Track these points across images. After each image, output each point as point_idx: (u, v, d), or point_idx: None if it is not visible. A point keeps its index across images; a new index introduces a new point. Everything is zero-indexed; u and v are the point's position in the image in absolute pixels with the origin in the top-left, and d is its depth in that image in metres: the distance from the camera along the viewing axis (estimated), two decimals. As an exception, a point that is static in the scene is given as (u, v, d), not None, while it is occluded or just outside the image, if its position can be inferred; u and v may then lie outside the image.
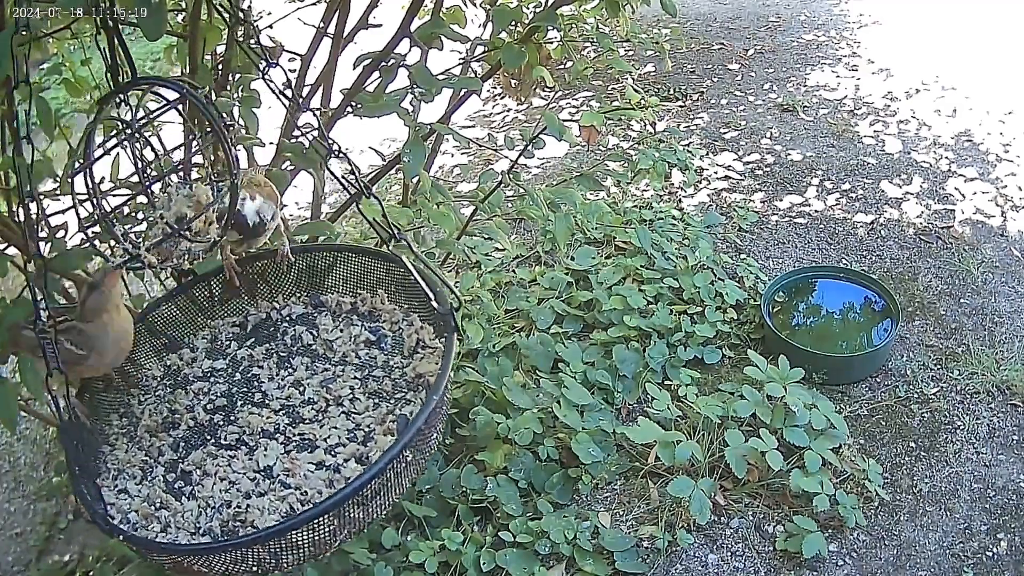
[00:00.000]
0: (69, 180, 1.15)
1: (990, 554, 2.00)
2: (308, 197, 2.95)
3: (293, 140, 1.78)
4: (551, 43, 2.84)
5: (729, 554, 2.04)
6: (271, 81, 1.21)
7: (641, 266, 2.75)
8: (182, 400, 1.32)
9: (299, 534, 1.04)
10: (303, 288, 1.47)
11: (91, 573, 2.13)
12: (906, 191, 3.20)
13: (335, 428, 1.23)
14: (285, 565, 1.07)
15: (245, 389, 1.32)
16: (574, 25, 2.88)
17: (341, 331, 1.38)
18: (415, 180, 2.10)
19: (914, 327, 2.62)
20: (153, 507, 1.16)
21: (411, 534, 2.08)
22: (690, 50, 4.43)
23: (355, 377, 1.31)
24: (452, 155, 3.85)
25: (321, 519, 1.04)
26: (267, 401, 1.29)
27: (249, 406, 1.29)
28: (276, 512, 1.12)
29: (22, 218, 1.71)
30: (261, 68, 1.19)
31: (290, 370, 1.34)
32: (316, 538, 1.06)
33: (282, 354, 1.37)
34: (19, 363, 1.43)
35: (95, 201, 1.13)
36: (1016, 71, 3.89)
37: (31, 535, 2.34)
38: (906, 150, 3.43)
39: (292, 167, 1.96)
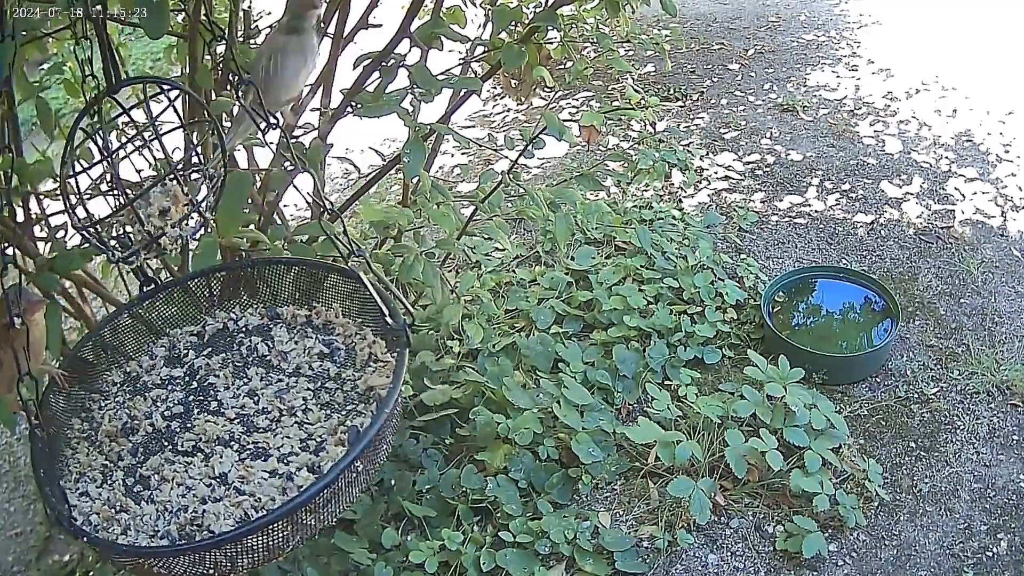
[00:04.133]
0: (66, 179, 1.17)
1: (990, 554, 2.00)
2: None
3: (293, 140, 1.78)
4: (551, 43, 2.84)
5: (729, 554, 2.04)
6: (243, 101, 1.24)
7: (641, 266, 2.75)
8: (141, 406, 1.35)
9: (254, 539, 1.08)
10: (300, 298, 1.49)
11: (91, 573, 2.13)
12: (906, 191, 3.20)
13: (288, 438, 1.26)
14: (240, 568, 1.11)
15: (201, 397, 1.35)
16: (574, 25, 2.88)
17: (296, 343, 1.41)
18: (415, 180, 2.10)
19: (914, 327, 2.62)
20: (114, 510, 1.19)
21: (411, 534, 2.08)
22: (690, 50, 4.43)
23: (308, 388, 1.34)
24: (452, 155, 3.85)
25: (275, 525, 1.08)
26: (222, 409, 1.32)
27: (205, 414, 1.32)
28: (231, 518, 1.15)
29: (20, 218, 1.72)
30: (237, 88, 1.23)
31: (245, 380, 1.37)
32: (270, 543, 1.10)
33: (238, 364, 1.40)
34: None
35: (71, 207, 1.17)
36: (1016, 71, 3.89)
37: (31, 535, 2.34)
38: (906, 150, 3.43)
39: (292, 167, 1.95)
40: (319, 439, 1.25)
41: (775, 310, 2.65)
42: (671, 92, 4.05)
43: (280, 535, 1.10)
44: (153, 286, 1.44)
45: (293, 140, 1.77)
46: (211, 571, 1.09)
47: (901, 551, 2.02)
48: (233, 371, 1.39)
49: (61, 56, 2.24)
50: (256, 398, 1.33)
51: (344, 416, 1.28)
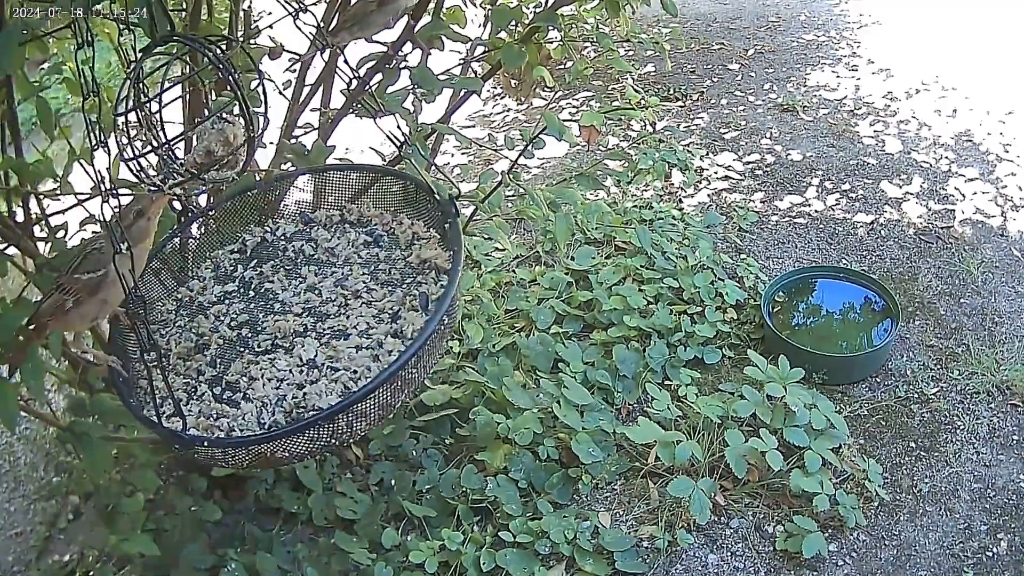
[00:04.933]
0: (122, 115, 1.17)
1: (990, 554, 2.00)
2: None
3: (293, 141, 1.78)
4: (551, 43, 2.84)
5: (729, 554, 2.04)
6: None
7: (641, 266, 2.75)
8: (204, 324, 1.37)
9: (367, 402, 1.13)
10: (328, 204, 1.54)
11: (91, 573, 2.13)
12: (906, 191, 3.20)
13: (361, 316, 1.31)
14: (358, 432, 1.18)
15: (263, 303, 1.39)
16: (574, 25, 2.88)
17: (339, 238, 1.46)
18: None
19: (914, 327, 2.62)
20: (211, 419, 1.22)
21: (411, 534, 2.08)
22: (690, 50, 4.43)
23: (364, 273, 1.39)
24: (452, 155, 3.84)
25: (385, 385, 1.13)
26: (288, 309, 1.36)
27: (272, 316, 1.35)
28: (333, 393, 1.19)
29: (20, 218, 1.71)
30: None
31: (301, 279, 1.41)
32: (382, 401, 1.15)
33: (288, 267, 1.44)
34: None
35: (149, 132, 1.17)
36: (1016, 71, 3.89)
37: (31, 535, 2.34)
38: (906, 150, 3.43)
39: (293, 168, 1.96)
40: (392, 310, 1.30)
41: (775, 310, 2.65)
42: (671, 92, 4.05)
43: (389, 393, 1.15)
44: (189, 214, 1.45)
45: (293, 140, 1.78)
46: (331, 441, 1.15)
47: (901, 551, 2.02)
48: (286, 274, 1.42)
49: (61, 56, 2.24)
50: (318, 291, 1.37)
51: (407, 288, 1.33)
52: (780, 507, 2.12)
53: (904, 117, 3.65)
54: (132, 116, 1.17)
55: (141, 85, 1.16)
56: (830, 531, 2.06)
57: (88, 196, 1.46)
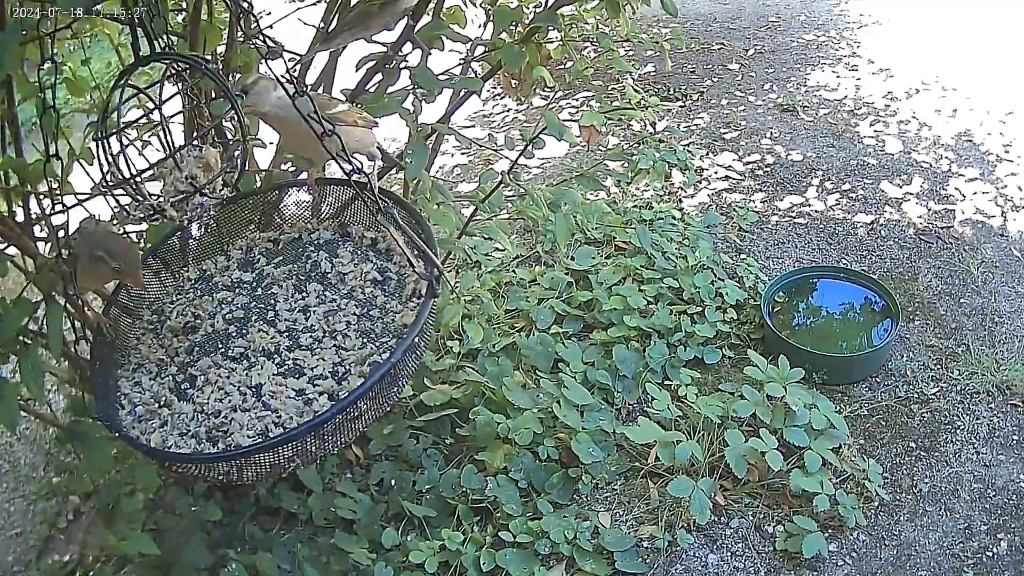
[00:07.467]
0: (98, 140, 1.19)
1: (990, 554, 2.00)
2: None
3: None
4: (551, 43, 2.84)
5: (729, 554, 2.04)
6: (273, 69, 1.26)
7: (641, 266, 2.75)
8: (207, 307, 1.42)
9: (262, 456, 1.18)
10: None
11: (91, 573, 2.13)
12: (906, 191, 3.20)
13: (323, 360, 1.32)
14: (246, 479, 1.23)
15: (261, 306, 1.42)
16: (574, 25, 2.88)
17: (355, 266, 1.46)
18: (415, 180, 2.10)
19: (914, 327, 2.62)
20: (158, 404, 1.30)
21: (411, 534, 2.08)
22: (690, 50, 4.43)
23: (354, 313, 1.39)
24: (452, 155, 3.84)
25: (281, 447, 1.18)
26: (276, 320, 1.38)
27: (261, 322, 1.38)
28: (252, 430, 1.24)
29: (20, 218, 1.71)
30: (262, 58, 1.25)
31: (303, 295, 1.42)
32: (274, 461, 1.19)
33: (300, 278, 1.45)
34: (19, 363, 1.43)
35: (113, 162, 1.19)
36: (1016, 71, 3.89)
37: (31, 535, 2.34)
38: (906, 150, 3.43)
39: (294, 169, 1.96)
40: (347, 367, 1.31)
41: (775, 310, 2.65)
42: (671, 92, 4.05)
43: (283, 456, 1.19)
44: (235, 192, 1.47)
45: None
46: (221, 478, 1.22)
47: (901, 551, 2.02)
48: (294, 285, 1.44)
49: (61, 56, 2.23)
50: (308, 314, 1.39)
51: (376, 348, 1.32)
52: (780, 507, 2.12)
53: (904, 117, 3.66)
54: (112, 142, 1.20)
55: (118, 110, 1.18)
56: (830, 531, 2.06)
57: (88, 196, 1.46)
